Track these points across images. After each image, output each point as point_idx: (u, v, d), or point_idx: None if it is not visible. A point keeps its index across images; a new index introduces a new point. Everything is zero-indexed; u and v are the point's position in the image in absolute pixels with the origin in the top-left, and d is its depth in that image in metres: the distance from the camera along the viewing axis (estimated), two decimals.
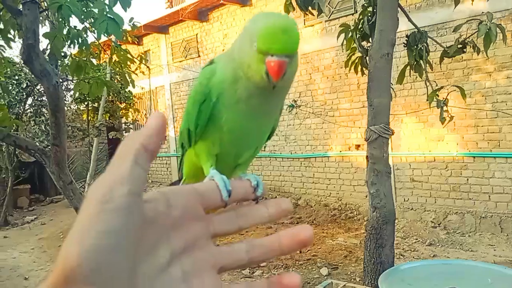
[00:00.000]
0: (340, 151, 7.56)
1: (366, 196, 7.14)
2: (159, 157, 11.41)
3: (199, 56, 10.27)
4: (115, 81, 7.52)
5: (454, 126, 5.98)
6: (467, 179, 6.05)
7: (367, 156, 3.45)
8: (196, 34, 10.29)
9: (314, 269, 5.03)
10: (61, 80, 2.78)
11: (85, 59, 2.99)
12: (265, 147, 8.61)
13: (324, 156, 7.82)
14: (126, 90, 8.56)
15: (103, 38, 3.20)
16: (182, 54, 10.69)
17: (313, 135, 7.96)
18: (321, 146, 7.88)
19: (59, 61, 3.31)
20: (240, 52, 0.53)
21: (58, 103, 2.63)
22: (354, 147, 7.36)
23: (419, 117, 6.49)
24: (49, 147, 3.07)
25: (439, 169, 6.35)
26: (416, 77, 4.41)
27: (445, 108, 3.83)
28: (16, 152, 8.70)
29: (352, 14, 6.93)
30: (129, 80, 3.30)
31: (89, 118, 7.98)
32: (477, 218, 5.92)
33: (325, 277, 4.68)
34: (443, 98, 3.89)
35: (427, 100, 3.90)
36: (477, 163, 5.96)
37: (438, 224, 6.21)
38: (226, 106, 0.56)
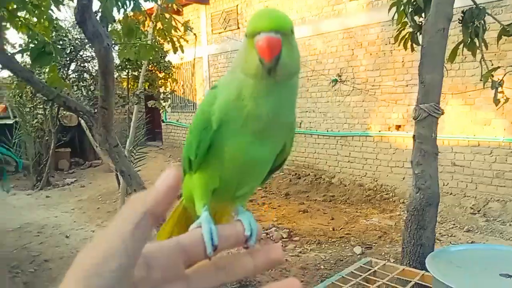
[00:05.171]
0: (380, 131, 7.39)
1: (404, 178, 7.03)
2: None
3: (238, 28, 10.16)
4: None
5: (503, 111, 5.72)
6: None
7: (414, 136, 3.34)
8: (237, 5, 10.16)
9: (347, 247, 5.01)
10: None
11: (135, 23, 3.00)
12: (300, 123, 8.54)
13: (362, 135, 7.68)
14: (166, 60, 8.61)
15: (150, 4, 3.19)
16: (221, 26, 10.62)
17: (352, 113, 7.81)
18: (359, 124, 7.72)
19: (109, 25, 3.32)
20: (239, 58, 0.50)
21: (108, 65, 2.66)
22: (394, 127, 7.18)
23: (466, 99, 6.23)
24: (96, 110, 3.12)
25: (483, 154, 6.12)
26: (466, 57, 4.22)
27: (499, 89, 3.65)
28: (59, 116, 8.98)
29: None
30: (178, 46, 3.30)
31: (129, 86, 8.09)
32: None
33: (359, 256, 4.65)
34: (498, 79, 3.70)
35: (481, 80, 3.72)
36: None
37: (478, 211, 6.03)
38: (230, 129, 0.51)
